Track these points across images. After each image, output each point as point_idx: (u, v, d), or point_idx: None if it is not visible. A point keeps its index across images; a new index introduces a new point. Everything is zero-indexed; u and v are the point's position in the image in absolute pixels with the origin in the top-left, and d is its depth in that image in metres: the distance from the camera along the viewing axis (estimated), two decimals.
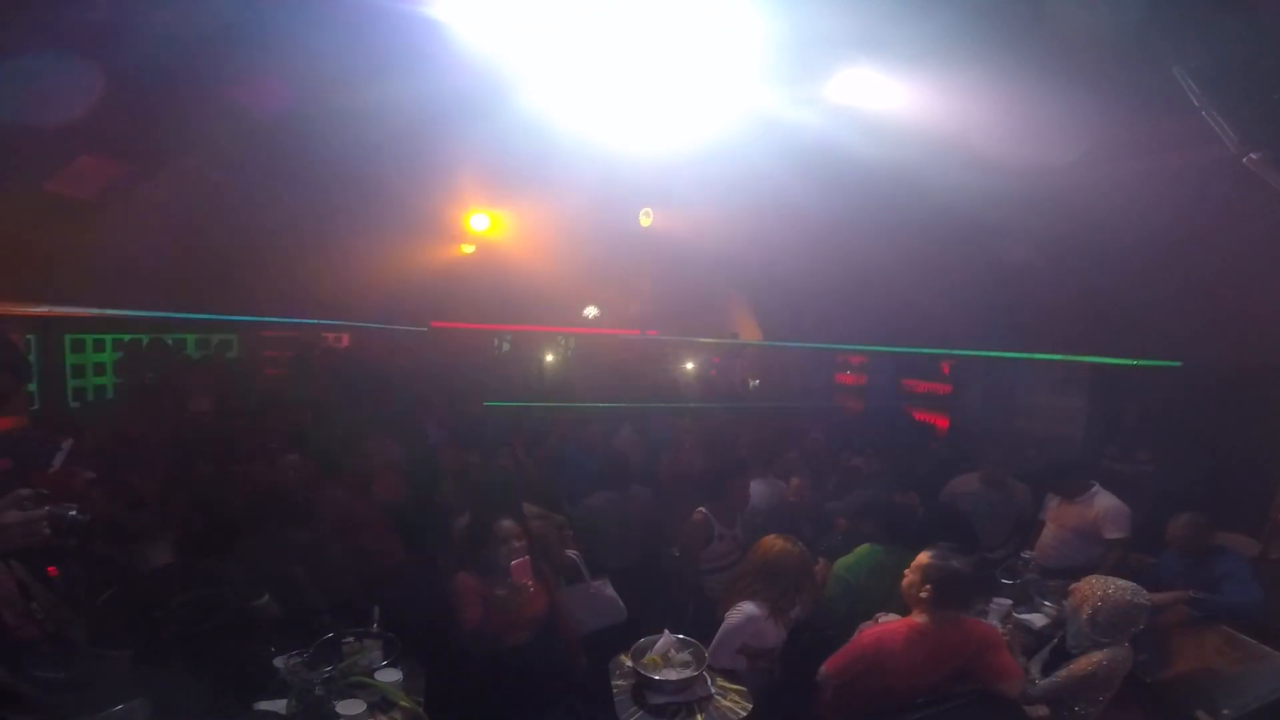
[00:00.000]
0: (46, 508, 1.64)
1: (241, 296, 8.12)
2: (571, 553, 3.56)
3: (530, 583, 3.00)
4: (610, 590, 3.58)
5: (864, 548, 3.39)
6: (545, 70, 3.81)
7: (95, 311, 6.44)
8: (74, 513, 1.69)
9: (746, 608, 2.99)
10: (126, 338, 7.35)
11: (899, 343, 7.73)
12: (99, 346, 7.19)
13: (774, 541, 3.07)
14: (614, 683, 2.91)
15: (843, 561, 3.34)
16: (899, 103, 3.89)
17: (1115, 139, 3.90)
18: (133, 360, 7.14)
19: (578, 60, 3.66)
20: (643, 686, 2.80)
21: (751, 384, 10.06)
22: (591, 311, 13.53)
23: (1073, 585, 2.89)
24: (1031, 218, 4.81)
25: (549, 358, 13.69)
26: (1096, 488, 3.88)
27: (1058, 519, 3.95)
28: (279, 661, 2.65)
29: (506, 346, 15.24)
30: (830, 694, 2.68)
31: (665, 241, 8.73)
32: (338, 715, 2.43)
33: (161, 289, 6.65)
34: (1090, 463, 4.02)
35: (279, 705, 2.48)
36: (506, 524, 3.09)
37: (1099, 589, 2.76)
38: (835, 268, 7.21)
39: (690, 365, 10.32)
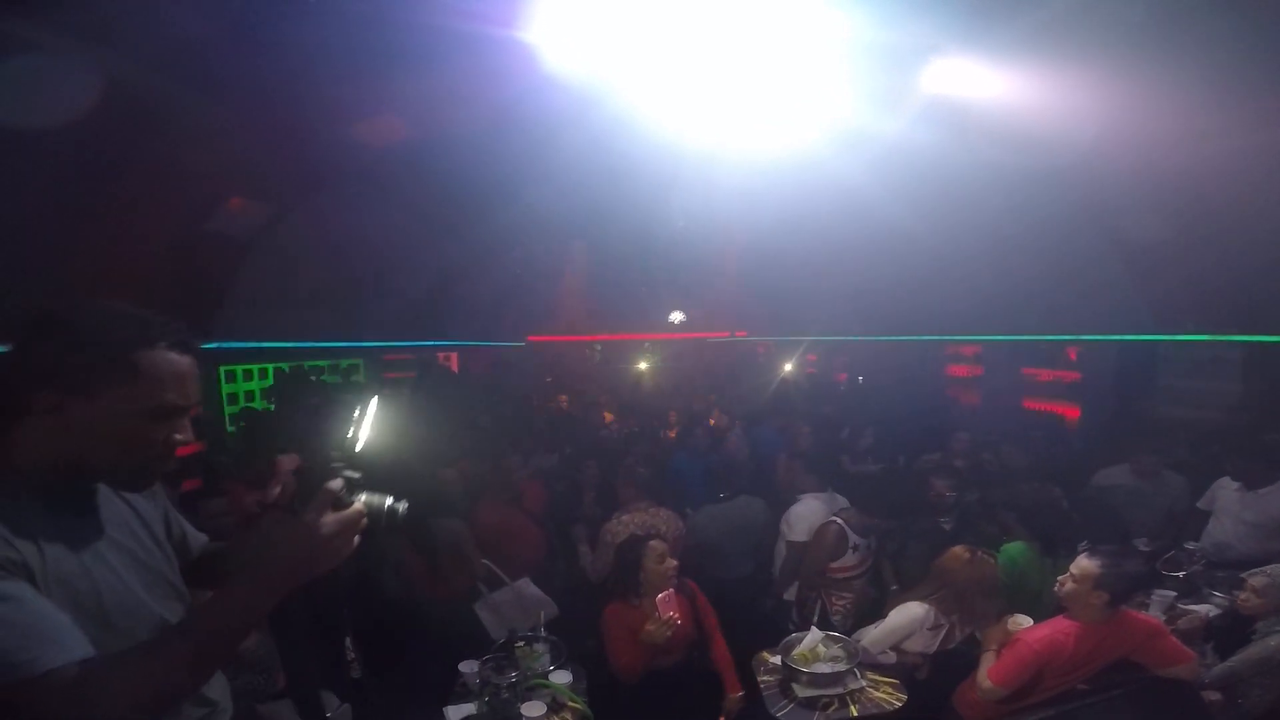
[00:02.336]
0: (363, 497, 1.21)
1: (364, 322, 8.74)
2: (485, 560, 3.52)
3: (677, 614, 2.93)
4: (533, 588, 3.50)
5: (1014, 545, 3.30)
6: (632, 86, 3.94)
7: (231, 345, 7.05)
8: (392, 501, 1.25)
9: (914, 608, 3.01)
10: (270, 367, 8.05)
11: (1017, 331, 7.40)
12: (248, 375, 7.90)
13: (955, 551, 3.06)
14: (760, 679, 2.98)
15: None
16: (999, 93, 3.80)
17: (1248, 110, 3.66)
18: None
19: (664, 74, 3.77)
20: (791, 680, 2.85)
21: (858, 380, 9.87)
22: (678, 316, 13.71)
23: (1260, 570, 2.77)
24: (1162, 195, 4.56)
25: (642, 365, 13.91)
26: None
27: (1234, 510, 3.71)
28: (464, 666, 2.85)
29: (598, 356, 15.67)
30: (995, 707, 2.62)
31: (754, 244, 8.77)
32: (521, 716, 2.57)
33: (295, 318, 7.26)
34: (1273, 452, 3.74)
35: (465, 709, 2.65)
36: (655, 543, 3.05)
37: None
38: (940, 258, 7.03)
39: (788, 365, 10.22)
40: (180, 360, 1.16)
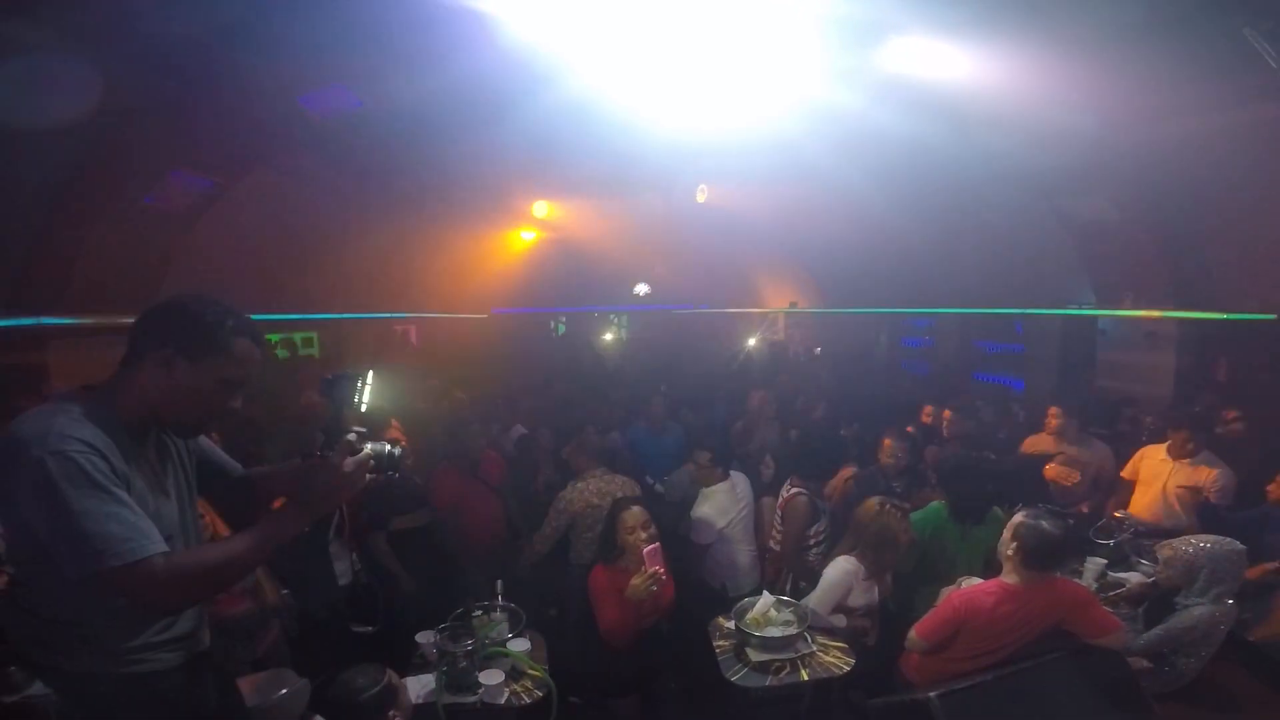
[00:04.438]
0: (369, 445, 1.65)
1: (316, 294, 8.50)
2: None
3: (662, 569, 2.94)
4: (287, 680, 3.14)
5: (934, 504, 3.44)
6: (595, 55, 3.87)
7: None
8: (390, 447, 1.71)
9: (843, 563, 3.14)
10: None
11: (968, 305, 7.59)
12: None
13: (868, 502, 3.20)
14: (715, 643, 3.04)
15: (911, 516, 3.34)
16: (956, 72, 3.85)
17: (1189, 95, 3.79)
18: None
19: (626, 44, 3.71)
20: (744, 645, 2.93)
21: (815, 352, 10.02)
22: (642, 289, 13.66)
23: (1165, 542, 2.92)
24: (1106, 175, 4.71)
25: (607, 336, 13.83)
26: (1205, 451, 3.84)
27: (1160, 478, 3.90)
28: (421, 637, 2.87)
29: (562, 329, 15.55)
30: (919, 657, 2.77)
31: (719, 217, 8.77)
32: (479, 685, 2.62)
33: (245, 292, 7.03)
34: (1201, 424, 3.94)
35: (425, 679, 2.66)
36: (635, 510, 3.08)
37: (1213, 546, 2.81)
38: (893, 234, 7.15)
39: (751, 339, 10.30)
40: (255, 350, 1.58)
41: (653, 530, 3.05)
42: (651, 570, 2.88)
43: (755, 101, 4.30)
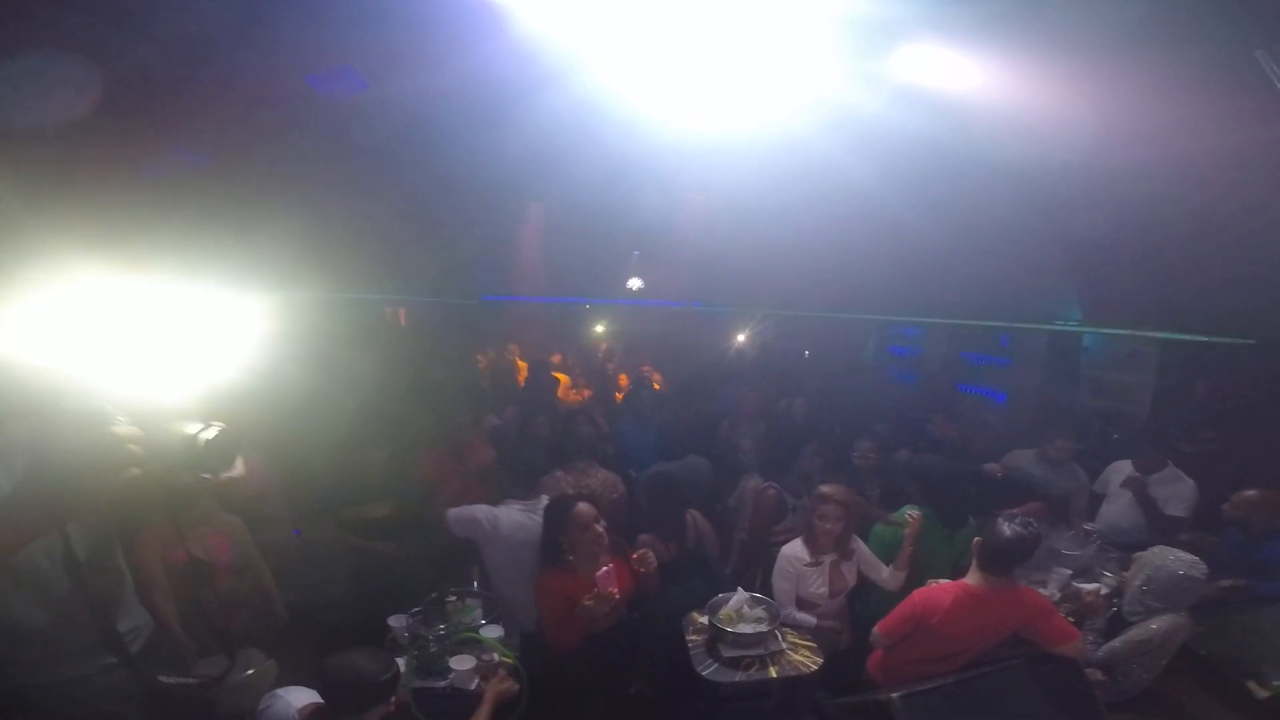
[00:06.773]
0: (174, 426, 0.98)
1: (310, 276, 8.44)
2: None
3: (616, 591, 2.83)
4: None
5: (904, 509, 3.49)
6: (604, 53, 3.85)
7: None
8: (202, 430, 1.01)
9: (786, 549, 3.27)
10: None
11: (957, 316, 7.64)
12: None
13: (824, 487, 3.31)
14: (688, 637, 3.09)
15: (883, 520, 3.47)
16: (965, 80, 3.84)
17: (1194, 115, 3.81)
18: None
19: (637, 41, 3.70)
20: (717, 640, 2.99)
21: (803, 354, 10.08)
22: (636, 283, 13.65)
23: (1137, 554, 2.99)
24: (1103, 192, 4.74)
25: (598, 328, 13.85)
26: (1170, 465, 3.91)
27: (1126, 492, 3.96)
28: (393, 621, 2.87)
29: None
30: (882, 654, 2.86)
31: (715, 215, 8.78)
32: (450, 670, 2.64)
33: (235, 269, 6.96)
34: (1167, 440, 4.02)
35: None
36: (583, 507, 2.95)
37: (1157, 559, 2.88)
38: (889, 240, 7.16)
39: (740, 337, 10.33)
40: None
41: (602, 529, 2.93)
42: (604, 593, 2.79)
43: (766, 100, 4.29)
